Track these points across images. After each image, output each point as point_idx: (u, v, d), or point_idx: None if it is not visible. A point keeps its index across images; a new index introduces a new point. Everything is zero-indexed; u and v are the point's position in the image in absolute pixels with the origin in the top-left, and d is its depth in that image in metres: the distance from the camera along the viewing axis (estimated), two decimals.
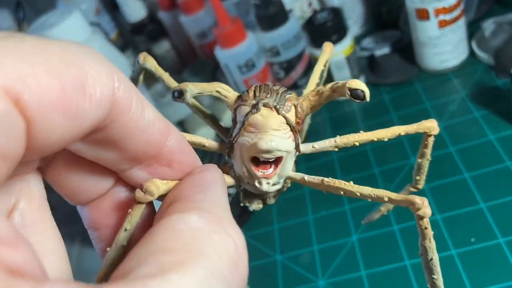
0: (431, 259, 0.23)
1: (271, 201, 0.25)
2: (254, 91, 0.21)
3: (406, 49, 0.66)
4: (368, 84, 0.68)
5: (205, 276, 0.12)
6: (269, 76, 0.67)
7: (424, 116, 0.58)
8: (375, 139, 0.23)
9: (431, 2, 0.55)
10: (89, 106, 0.12)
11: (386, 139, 0.23)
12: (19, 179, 0.16)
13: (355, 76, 0.66)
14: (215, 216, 0.14)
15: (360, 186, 0.21)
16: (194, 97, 0.23)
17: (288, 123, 0.20)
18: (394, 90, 0.65)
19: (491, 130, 0.52)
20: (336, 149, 0.23)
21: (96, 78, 0.12)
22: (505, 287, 0.39)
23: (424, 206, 0.20)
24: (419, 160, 0.28)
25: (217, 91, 0.22)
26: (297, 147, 0.22)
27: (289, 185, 0.25)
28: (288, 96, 0.21)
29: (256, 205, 0.25)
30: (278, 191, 0.24)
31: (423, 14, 0.56)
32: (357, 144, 0.23)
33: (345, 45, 0.62)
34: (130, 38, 0.94)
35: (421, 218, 0.21)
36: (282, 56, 0.63)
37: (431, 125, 0.25)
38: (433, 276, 0.24)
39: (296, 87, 0.66)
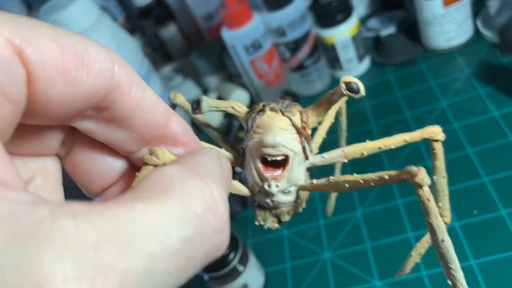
0: (442, 240, 0.20)
1: (285, 217, 0.25)
2: (263, 104, 0.23)
3: (411, 28, 0.67)
4: (373, 64, 0.69)
5: (174, 209, 0.12)
6: (275, 56, 0.68)
7: (429, 94, 0.59)
8: (382, 147, 0.23)
9: None
10: (86, 76, 0.14)
11: (393, 147, 0.23)
12: (39, 159, 0.17)
13: (360, 56, 0.66)
14: (194, 170, 0.14)
15: (363, 174, 0.21)
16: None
17: (293, 124, 0.22)
18: (399, 70, 0.65)
19: (495, 106, 0.53)
20: (346, 160, 0.24)
21: (95, 56, 0.14)
22: (506, 257, 0.41)
23: (421, 173, 0.19)
24: (435, 178, 0.26)
25: (232, 107, 0.24)
26: (304, 151, 0.22)
27: (304, 205, 0.25)
28: (293, 104, 0.23)
29: (271, 223, 0.25)
30: (294, 208, 0.25)
31: None
32: (365, 153, 0.23)
33: (351, 25, 0.63)
34: (137, 22, 0.95)
35: (420, 186, 0.20)
36: (288, 36, 0.64)
37: (435, 130, 0.24)
38: (449, 265, 0.21)
39: (302, 67, 0.67)
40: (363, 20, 0.76)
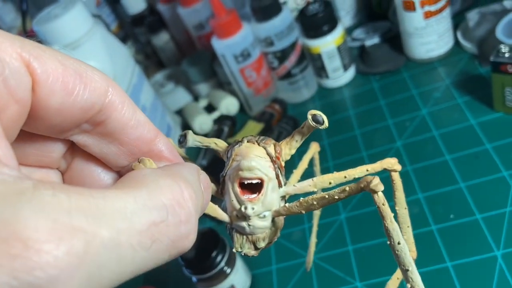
0: (398, 243, 0.22)
1: (261, 244, 0.26)
2: (242, 137, 0.25)
3: (394, 39, 0.69)
4: (358, 72, 0.71)
5: (142, 197, 0.14)
6: (264, 65, 0.70)
7: (411, 102, 0.61)
8: (347, 176, 0.25)
9: None
10: (83, 91, 0.16)
11: (357, 176, 0.25)
12: (43, 170, 0.19)
13: (345, 65, 0.69)
14: (168, 172, 0.16)
15: (328, 191, 0.23)
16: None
17: (268, 153, 0.24)
18: (383, 78, 0.68)
19: (473, 115, 0.55)
20: (315, 189, 0.26)
21: (92, 76, 0.16)
22: (481, 259, 0.43)
23: (375, 180, 0.21)
24: (396, 208, 0.28)
25: (215, 143, 0.26)
26: (278, 178, 0.24)
27: (279, 234, 0.26)
28: (268, 138, 0.25)
29: (247, 249, 0.26)
30: (270, 237, 0.26)
31: (409, 5, 0.59)
32: (332, 182, 0.25)
33: (336, 36, 0.65)
34: (130, 30, 0.97)
35: (375, 192, 0.21)
36: (276, 46, 0.66)
37: (392, 162, 0.26)
38: (407, 268, 0.22)
39: (290, 75, 0.69)
40: (348, 31, 0.79)
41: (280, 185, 0.25)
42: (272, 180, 0.24)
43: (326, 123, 0.22)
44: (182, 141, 0.26)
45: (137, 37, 0.96)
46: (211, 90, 0.83)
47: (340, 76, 0.69)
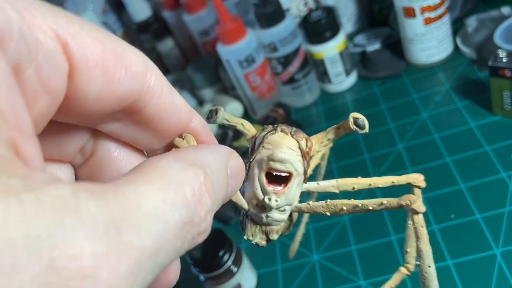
0: (429, 266, 0.22)
1: (274, 236, 0.25)
2: (275, 125, 0.25)
3: (395, 45, 0.71)
4: (360, 77, 0.73)
5: (170, 195, 0.13)
6: (268, 70, 0.72)
7: (412, 106, 0.63)
8: (372, 184, 0.25)
9: (417, 1, 0.60)
10: (124, 75, 0.14)
11: (381, 186, 0.25)
12: (54, 165, 0.17)
13: (347, 70, 0.70)
14: (191, 161, 0.14)
15: (362, 200, 0.22)
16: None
17: (299, 147, 0.23)
18: (384, 83, 0.69)
19: (472, 118, 0.57)
20: (337, 191, 0.25)
21: (133, 59, 0.15)
22: (480, 258, 0.44)
23: (419, 200, 0.20)
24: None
25: (242, 124, 0.26)
26: (304, 174, 0.24)
27: (291, 229, 0.26)
28: (300, 131, 0.25)
29: (259, 239, 0.25)
30: (283, 229, 0.26)
31: (410, 12, 0.61)
32: (355, 187, 0.24)
33: (338, 42, 0.67)
34: (135, 36, 0.98)
35: (416, 213, 0.21)
36: (279, 51, 0.68)
37: (417, 177, 0.25)
38: None
39: (293, 80, 0.71)
40: (350, 37, 0.80)
41: (305, 181, 0.24)
42: (300, 175, 0.24)
43: (367, 129, 0.22)
44: (210, 116, 0.25)
45: (143, 44, 0.98)
46: (216, 95, 0.85)
47: (342, 81, 0.71)
